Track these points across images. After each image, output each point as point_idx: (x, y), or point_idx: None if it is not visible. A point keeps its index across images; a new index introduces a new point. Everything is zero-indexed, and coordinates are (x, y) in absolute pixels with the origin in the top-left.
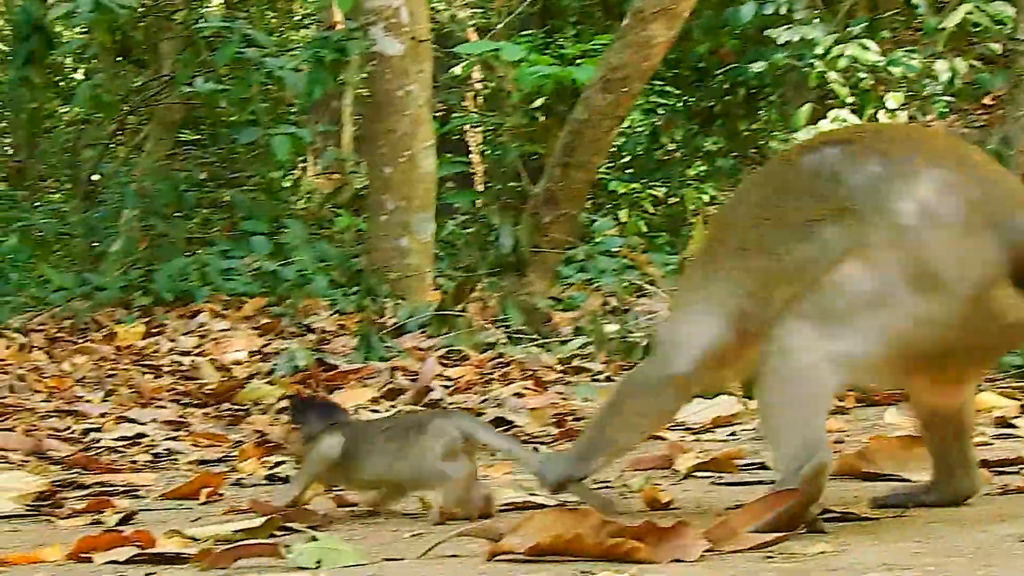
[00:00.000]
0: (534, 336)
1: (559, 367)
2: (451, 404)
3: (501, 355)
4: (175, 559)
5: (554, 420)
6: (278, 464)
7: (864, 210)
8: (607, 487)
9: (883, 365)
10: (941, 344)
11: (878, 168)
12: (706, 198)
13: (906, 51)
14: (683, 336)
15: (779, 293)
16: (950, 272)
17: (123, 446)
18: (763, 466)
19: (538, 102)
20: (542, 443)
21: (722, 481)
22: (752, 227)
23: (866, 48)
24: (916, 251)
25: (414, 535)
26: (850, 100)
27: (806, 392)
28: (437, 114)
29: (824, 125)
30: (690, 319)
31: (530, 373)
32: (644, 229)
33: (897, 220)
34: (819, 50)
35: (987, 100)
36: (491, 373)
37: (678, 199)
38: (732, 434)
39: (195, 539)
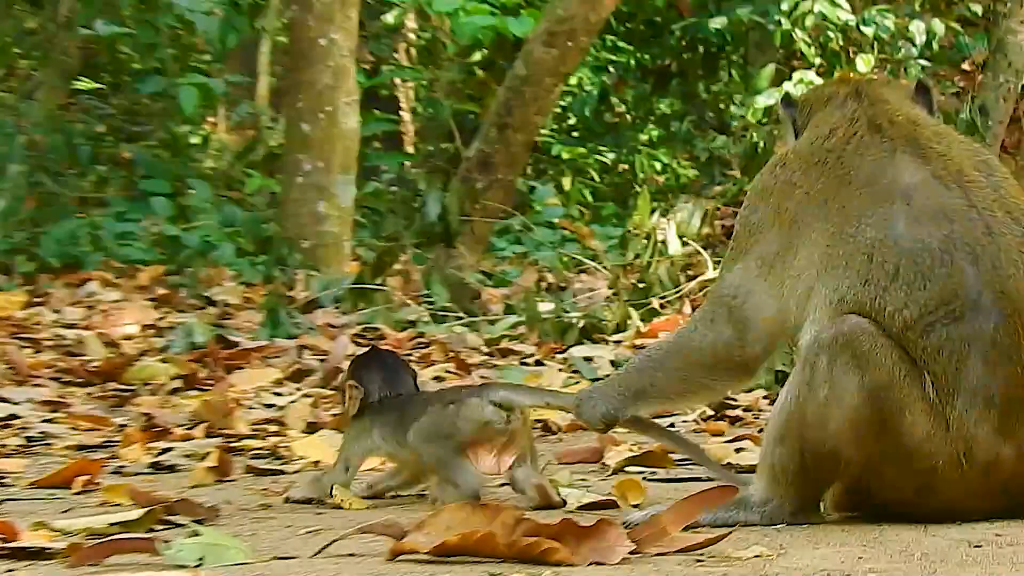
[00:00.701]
0: (460, 314)
1: (486, 349)
2: None
3: (422, 334)
4: (40, 554)
5: None
6: (165, 451)
7: None
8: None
9: None
10: None
11: None
12: (658, 166)
13: (880, 9)
14: (762, 310)
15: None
16: None
17: None
18: None
19: (476, 56)
20: None
21: (655, 477)
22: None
23: (836, 5)
24: None
25: (310, 531)
26: (817, 61)
27: None
28: (364, 66)
29: (788, 88)
30: (771, 294)
31: (453, 355)
32: (589, 199)
33: None
34: (785, 6)
35: (966, 65)
36: (410, 354)
37: (628, 166)
38: (671, 425)
39: (64, 532)
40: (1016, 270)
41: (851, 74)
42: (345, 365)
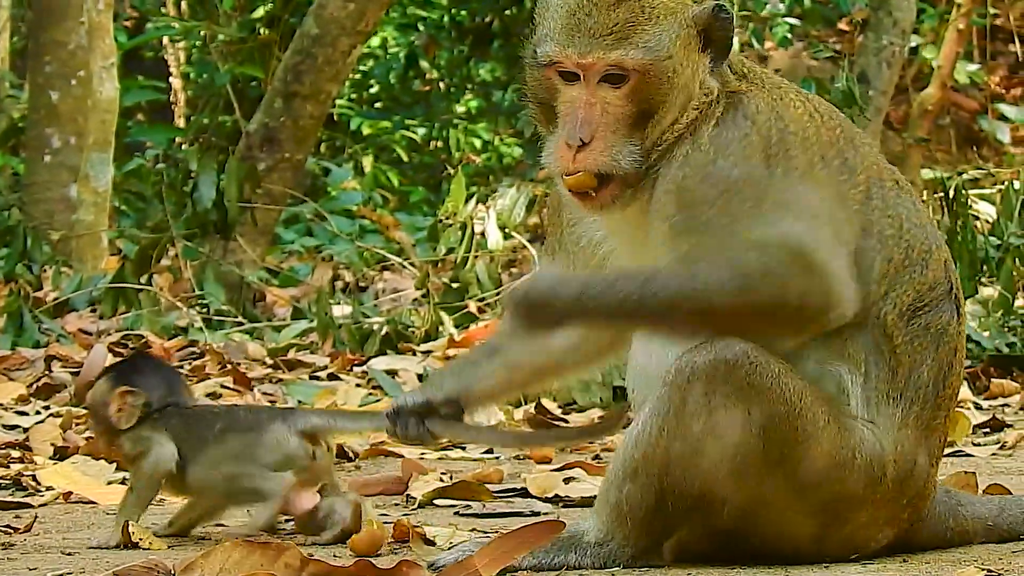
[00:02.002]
0: (240, 319)
1: (269, 360)
2: None
3: (195, 342)
4: None
5: None
6: None
7: None
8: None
9: None
10: None
11: None
12: (477, 143)
13: None
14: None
15: None
16: None
17: None
18: (526, 492)
19: (259, 11)
20: None
21: (469, 511)
22: None
23: None
24: None
25: (32, 569)
26: None
27: None
28: (125, 23)
29: None
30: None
31: (231, 367)
32: (394, 182)
33: None
34: None
35: (843, 25)
36: (180, 365)
37: (441, 143)
38: (489, 450)
39: None
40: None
41: None
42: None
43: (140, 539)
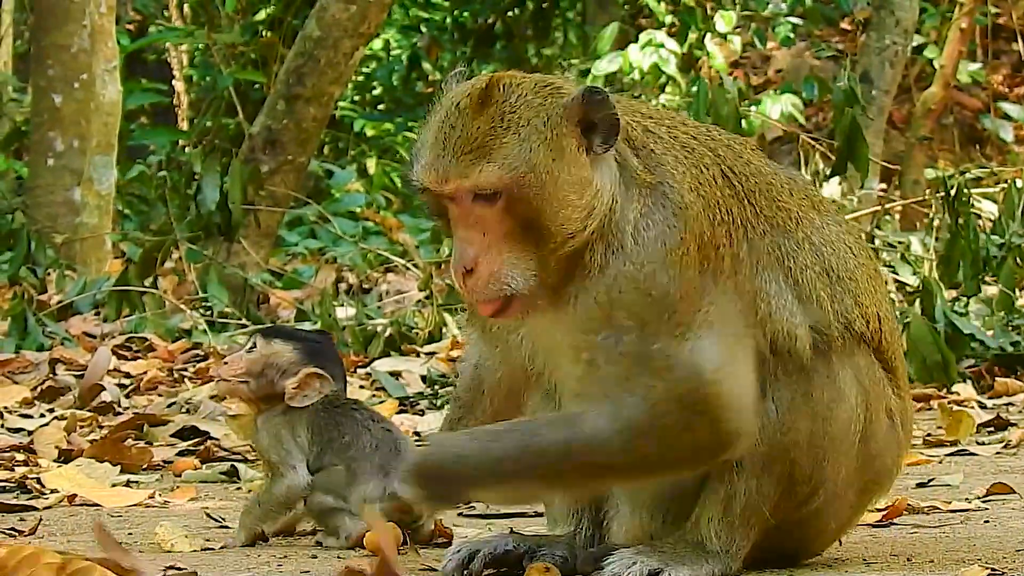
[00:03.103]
0: (244, 321)
1: None
2: (128, 408)
3: (198, 345)
4: None
5: None
6: None
7: None
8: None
9: None
10: None
11: None
12: None
13: None
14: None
15: None
16: None
17: None
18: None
19: (261, 14)
20: (244, 459)
21: (473, 512)
22: None
23: None
24: None
25: None
26: (669, 20)
27: None
28: (128, 26)
29: (633, 51)
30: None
31: None
32: (397, 184)
33: None
34: None
35: (845, 24)
36: (184, 368)
37: None
38: None
39: None
40: None
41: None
42: (107, 381)
43: (161, 541)
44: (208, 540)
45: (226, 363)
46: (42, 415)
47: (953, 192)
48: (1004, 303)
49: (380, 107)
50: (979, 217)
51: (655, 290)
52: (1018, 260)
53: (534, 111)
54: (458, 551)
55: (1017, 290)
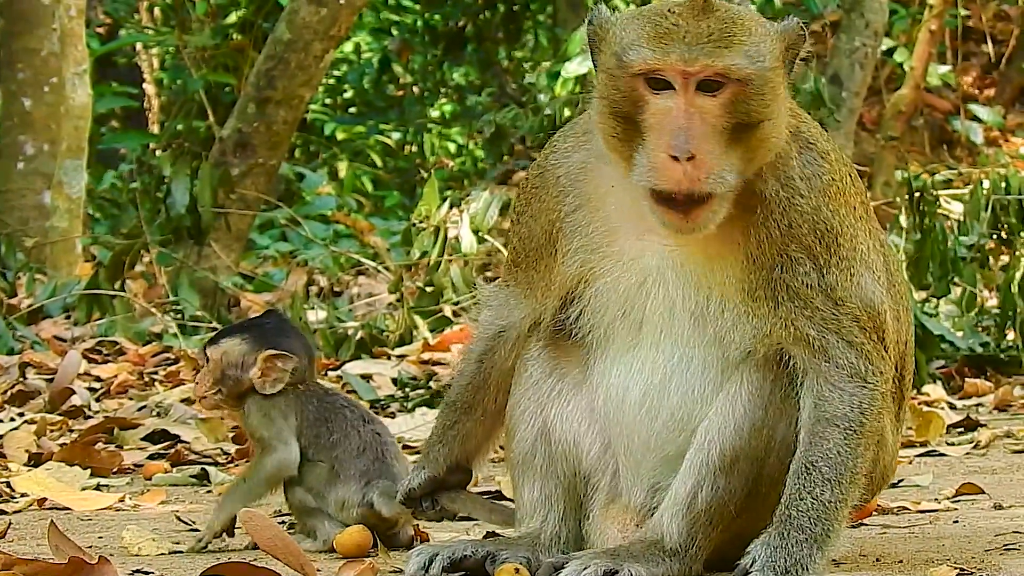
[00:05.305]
0: (214, 324)
1: None
2: (98, 412)
3: (169, 348)
4: None
5: (231, 434)
6: None
7: None
8: None
9: None
10: None
11: None
12: (452, 147)
13: None
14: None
15: None
16: None
17: None
18: (500, 494)
19: (232, 16)
20: (214, 463)
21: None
22: None
23: None
24: None
25: None
26: None
27: None
28: (98, 29)
29: None
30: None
31: None
32: (368, 187)
33: None
34: None
35: (815, 26)
36: (154, 372)
37: (415, 148)
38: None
39: None
40: None
41: None
42: (77, 385)
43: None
44: (177, 543)
45: (196, 383)
46: (12, 419)
47: (919, 194)
48: (969, 303)
49: (351, 110)
50: (947, 219)
51: (821, 224)
52: (988, 261)
53: (758, 22)
54: (419, 554)
55: (987, 291)
